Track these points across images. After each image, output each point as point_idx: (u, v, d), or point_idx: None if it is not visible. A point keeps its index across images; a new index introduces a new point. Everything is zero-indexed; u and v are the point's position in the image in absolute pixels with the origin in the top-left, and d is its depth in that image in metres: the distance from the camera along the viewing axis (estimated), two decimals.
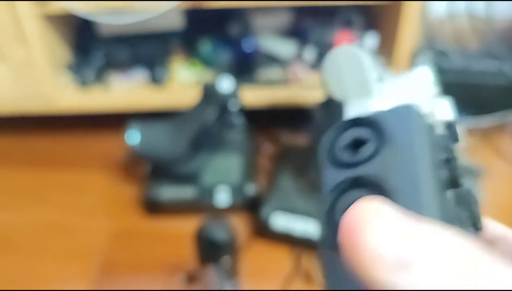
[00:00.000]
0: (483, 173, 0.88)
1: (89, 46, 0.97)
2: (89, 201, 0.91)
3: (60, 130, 1.03)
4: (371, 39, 0.92)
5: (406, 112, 0.20)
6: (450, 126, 0.23)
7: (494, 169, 0.92)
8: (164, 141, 0.84)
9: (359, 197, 0.19)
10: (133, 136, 0.82)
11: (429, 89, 0.26)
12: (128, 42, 0.95)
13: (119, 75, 0.94)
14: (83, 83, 0.93)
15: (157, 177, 0.86)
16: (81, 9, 0.79)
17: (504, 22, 1.06)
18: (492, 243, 0.23)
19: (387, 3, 0.83)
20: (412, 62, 0.86)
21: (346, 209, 0.18)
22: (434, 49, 0.95)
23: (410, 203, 0.17)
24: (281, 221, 0.80)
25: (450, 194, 0.21)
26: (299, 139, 0.97)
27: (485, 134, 0.97)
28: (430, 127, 0.21)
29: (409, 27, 0.82)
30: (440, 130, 0.23)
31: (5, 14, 0.79)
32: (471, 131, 0.95)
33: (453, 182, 0.20)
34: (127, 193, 0.91)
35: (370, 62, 0.24)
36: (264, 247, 0.81)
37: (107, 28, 0.95)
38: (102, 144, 1.00)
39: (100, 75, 0.94)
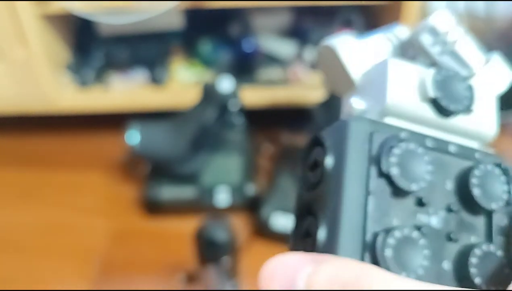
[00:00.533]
0: None
1: (89, 46, 0.96)
2: (89, 201, 0.91)
3: (60, 130, 1.03)
4: None
5: (341, 129, 0.18)
6: (434, 102, 0.20)
7: None
8: (164, 141, 0.84)
9: (311, 225, 0.18)
10: (133, 136, 0.82)
11: (448, 36, 0.23)
12: (128, 42, 0.95)
13: (119, 75, 0.94)
14: (83, 83, 0.93)
15: (157, 177, 0.86)
16: (81, 9, 0.79)
17: (504, 22, 1.06)
18: None
19: (387, 3, 0.83)
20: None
21: (305, 234, 0.19)
22: None
23: (329, 237, 0.17)
24: (281, 221, 0.80)
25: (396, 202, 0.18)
26: (299, 139, 0.97)
27: None
28: (371, 137, 0.18)
29: (409, 27, 0.82)
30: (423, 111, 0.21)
31: (5, 14, 0.79)
32: None
33: (396, 192, 0.18)
34: (127, 193, 0.91)
35: (349, 53, 0.23)
36: (264, 247, 0.81)
37: (107, 28, 0.95)
38: (102, 145, 1.00)
39: (100, 75, 0.94)
